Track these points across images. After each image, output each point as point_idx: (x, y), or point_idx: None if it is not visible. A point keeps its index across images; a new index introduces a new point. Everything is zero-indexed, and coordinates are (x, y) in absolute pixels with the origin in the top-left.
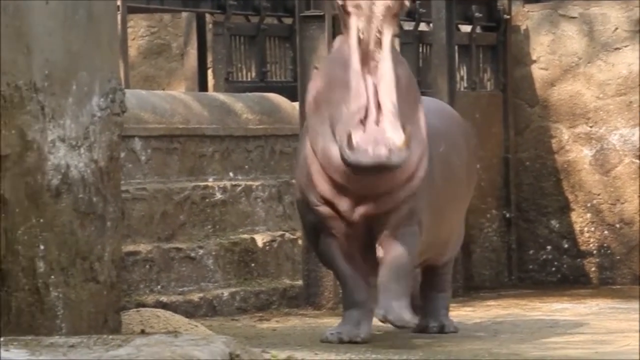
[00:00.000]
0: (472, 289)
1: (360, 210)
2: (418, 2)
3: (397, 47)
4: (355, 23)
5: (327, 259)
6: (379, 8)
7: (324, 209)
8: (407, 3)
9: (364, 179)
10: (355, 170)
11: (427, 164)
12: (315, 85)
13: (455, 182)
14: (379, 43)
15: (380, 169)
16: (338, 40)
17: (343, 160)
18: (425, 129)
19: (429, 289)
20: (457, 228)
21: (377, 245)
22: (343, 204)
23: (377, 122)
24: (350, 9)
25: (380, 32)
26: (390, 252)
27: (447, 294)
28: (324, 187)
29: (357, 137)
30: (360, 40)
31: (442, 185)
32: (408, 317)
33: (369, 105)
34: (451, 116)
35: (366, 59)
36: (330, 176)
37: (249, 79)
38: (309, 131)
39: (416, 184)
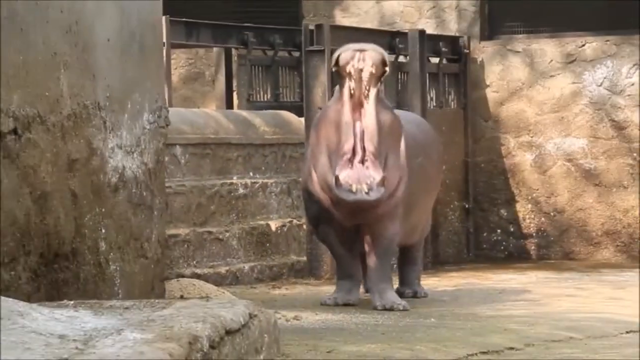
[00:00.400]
0: (438, 263)
1: (350, 219)
2: (397, 39)
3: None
4: (347, 83)
5: (326, 242)
6: (365, 74)
7: (324, 208)
8: (387, 69)
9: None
10: (342, 203)
11: (405, 185)
12: (318, 123)
13: (426, 181)
14: (366, 96)
15: (361, 204)
16: (337, 90)
17: (333, 195)
18: (405, 154)
19: (404, 262)
20: (426, 216)
21: (365, 237)
22: (336, 213)
23: (362, 161)
24: (343, 73)
25: (367, 89)
26: (376, 244)
27: (418, 267)
28: (322, 195)
29: (345, 174)
30: (352, 95)
31: (416, 185)
32: (398, 302)
33: (356, 147)
34: (426, 128)
35: (356, 108)
36: (326, 193)
37: (266, 100)
38: (311, 156)
39: (395, 202)
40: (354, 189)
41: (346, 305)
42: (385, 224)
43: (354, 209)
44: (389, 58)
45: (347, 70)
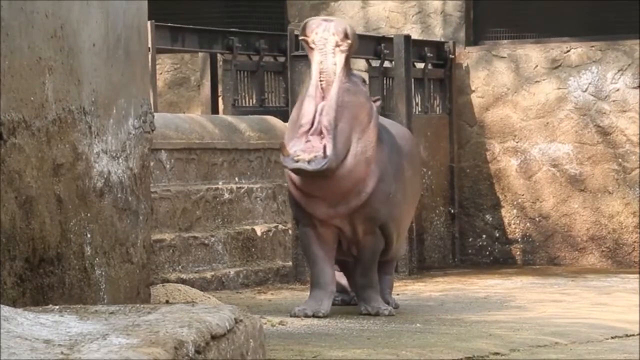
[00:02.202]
0: (424, 268)
1: (321, 210)
2: (383, 44)
3: (367, 81)
4: (316, 56)
5: (303, 244)
6: (329, 45)
7: (297, 205)
8: (349, 41)
9: (307, 180)
10: (290, 171)
11: (377, 181)
12: (296, 105)
13: (412, 194)
14: (334, 71)
15: (301, 172)
16: None
17: (283, 165)
18: (376, 151)
19: (378, 271)
20: (408, 225)
21: (352, 246)
22: (306, 204)
23: (319, 135)
24: (311, 44)
25: (334, 63)
26: (362, 253)
27: (391, 277)
28: (292, 188)
29: (298, 146)
30: (321, 71)
31: (405, 197)
32: (384, 307)
33: (314, 121)
34: (407, 136)
35: (322, 83)
36: (290, 177)
37: (251, 105)
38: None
39: (364, 197)
40: (296, 159)
41: (315, 316)
42: (370, 224)
43: (313, 182)
44: (355, 32)
45: (312, 39)
